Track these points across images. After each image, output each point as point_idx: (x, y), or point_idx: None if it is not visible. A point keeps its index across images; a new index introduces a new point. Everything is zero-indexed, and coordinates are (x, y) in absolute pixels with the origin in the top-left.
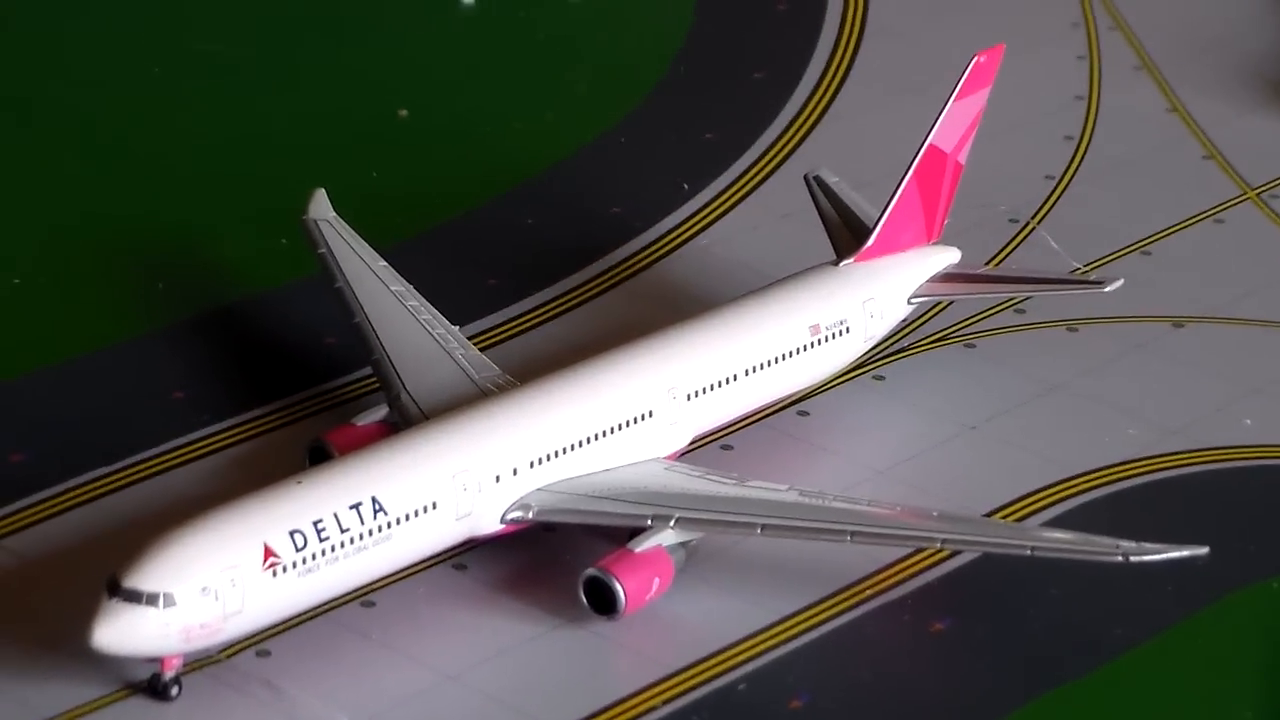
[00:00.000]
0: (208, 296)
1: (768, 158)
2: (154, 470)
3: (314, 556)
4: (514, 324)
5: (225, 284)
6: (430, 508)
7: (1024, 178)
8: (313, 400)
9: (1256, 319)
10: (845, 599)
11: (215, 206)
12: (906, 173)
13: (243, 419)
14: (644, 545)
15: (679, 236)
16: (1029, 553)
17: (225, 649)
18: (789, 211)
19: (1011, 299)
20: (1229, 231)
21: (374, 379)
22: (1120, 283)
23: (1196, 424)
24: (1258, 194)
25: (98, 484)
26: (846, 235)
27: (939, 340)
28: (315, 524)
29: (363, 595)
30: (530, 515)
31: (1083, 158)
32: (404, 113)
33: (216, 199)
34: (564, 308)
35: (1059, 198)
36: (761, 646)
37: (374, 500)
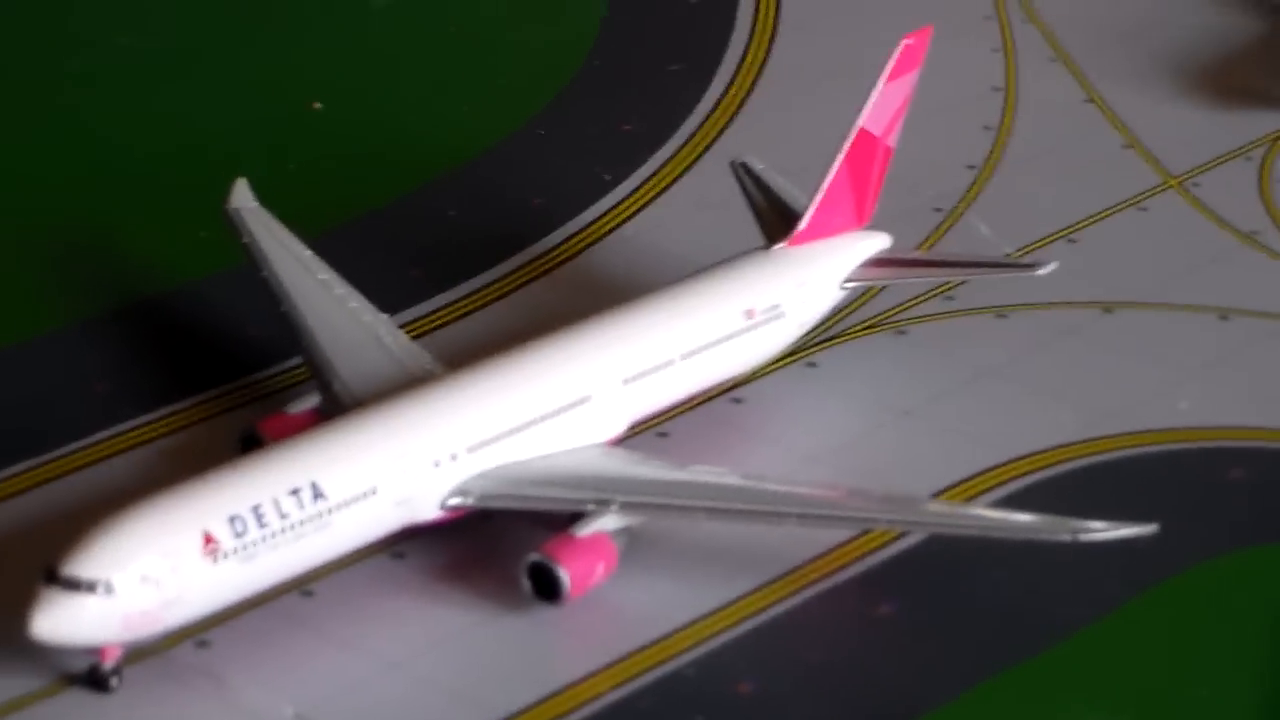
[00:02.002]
0: (125, 290)
1: (688, 148)
2: (81, 463)
3: (254, 543)
4: (439, 315)
5: (142, 277)
6: (370, 493)
7: (945, 167)
8: (240, 391)
9: (1185, 303)
10: (789, 583)
11: (128, 200)
12: (838, 156)
13: (170, 410)
14: (586, 530)
15: (603, 227)
16: (976, 533)
17: (164, 640)
18: (712, 202)
19: (942, 285)
20: (1153, 219)
21: (302, 368)
22: (1054, 266)
23: (1131, 408)
24: (1180, 183)
25: (22, 476)
26: (776, 221)
27: (870, 327)
28: (255, 509)
29: (302, 585)
30: (470, 501)
31: (1003, 147)
32: (318, 105)
33: (129, 193)
34: (490, 298)
35: (981, 187)
36: (708, 631)
37: (313, 486)
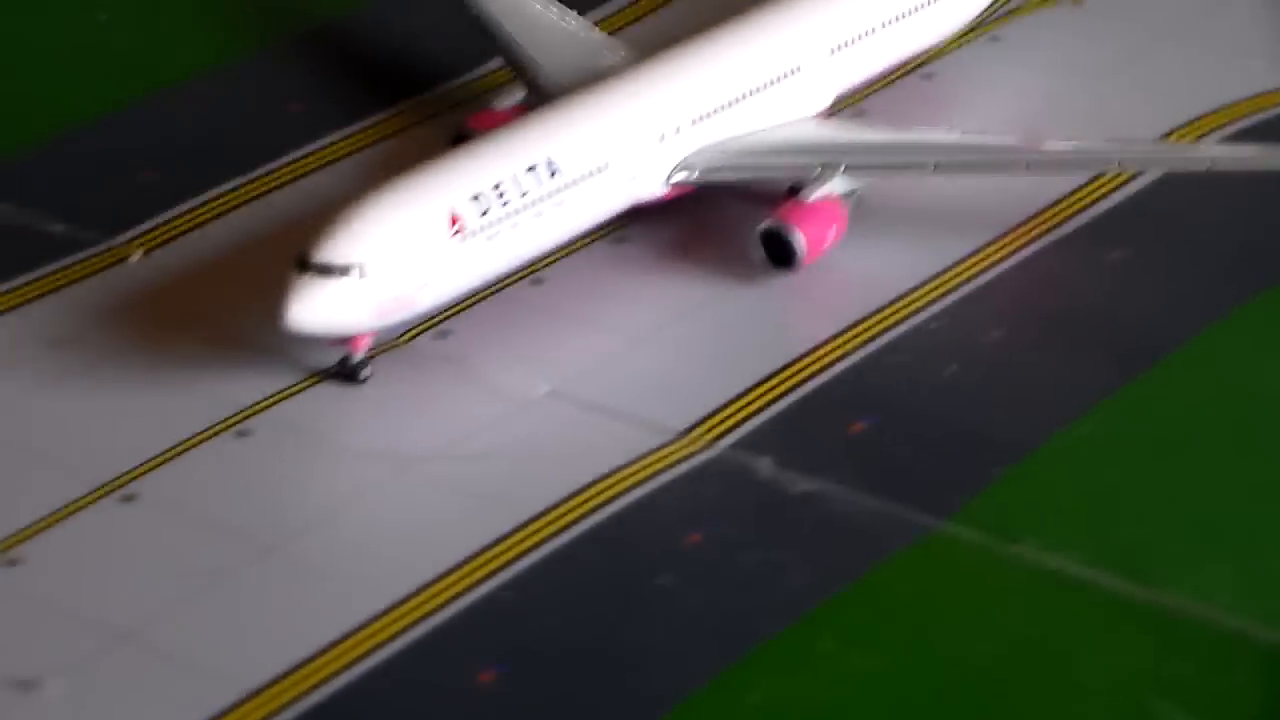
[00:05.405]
0: (290, 21)
1: None
2: (293, 175)
3: (498, 220)
4: (615, 18)
5: (311, 7)
6: (602, 168)
7: None
8: (433, 102)
9: None
10: (1017, 238)
11: None
12: None
13: (367, 123)
14: (815, 195)
15: None
16: (1207, 168)
17: (404, 333)
18: None
19: None
20: None
21: (490, 77)
22: None
23: None
24: None
25: (235, 194)
26: None
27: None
28: (496, 188)
29: (531, 273)
30: (695, 175)
31: None
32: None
33: None
34: (662, 2)
35: None
36: (945, 288)
37: (549, 162)
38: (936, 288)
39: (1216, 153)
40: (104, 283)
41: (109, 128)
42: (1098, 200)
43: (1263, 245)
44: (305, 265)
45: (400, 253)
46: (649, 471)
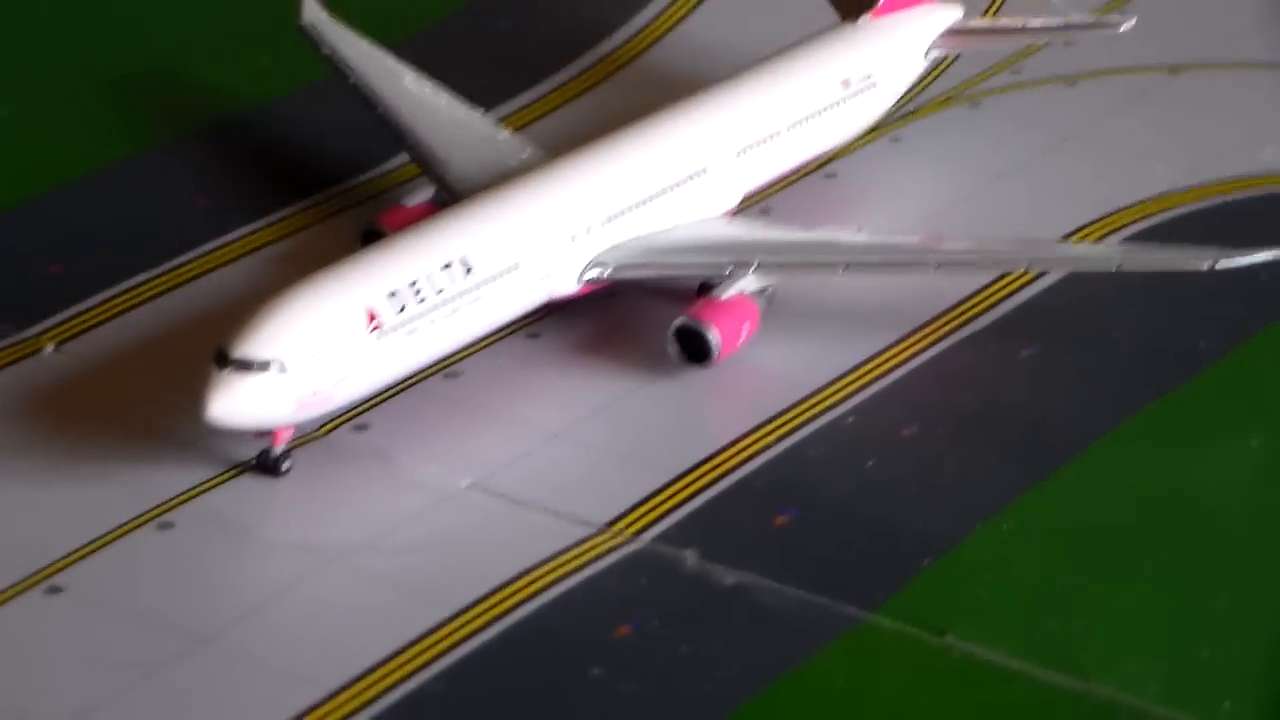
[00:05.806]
0: (198, 115)
1: None
2: (198, 271)
3: (414, 317)
4: (514, 117)
5: (211, 103)
6: (514, 267)
7: None
8: (339, 197)
9: (1250, 62)
10: (928, 335)
11: (188, 32)
12: None
13: (275, 218)
14: (728, 293)
15: (660, 28)
16: (1115, 268)
17: (321, 426)
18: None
19: (1009, 59)
20: None
21: (395, 172)
22: (1134, 21)
23: (1219, 158)
24: None
25: (143, 288)
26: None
27: (944, 102)
28: (412, 285)
29: (446, 367)
30: (607, 272)
31: None
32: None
33: (188, 24)
34: (562, 101)
35: None
36: (859, 383)
37: (463, 260)
38: (851, 383)
39: (1123, 253)
40: (16, 376)
41: (13, 222)
42: (1005, 298)
43: (1171, 341)
44: (225, 360)
45: (319, 348)
46: (575, 564)
